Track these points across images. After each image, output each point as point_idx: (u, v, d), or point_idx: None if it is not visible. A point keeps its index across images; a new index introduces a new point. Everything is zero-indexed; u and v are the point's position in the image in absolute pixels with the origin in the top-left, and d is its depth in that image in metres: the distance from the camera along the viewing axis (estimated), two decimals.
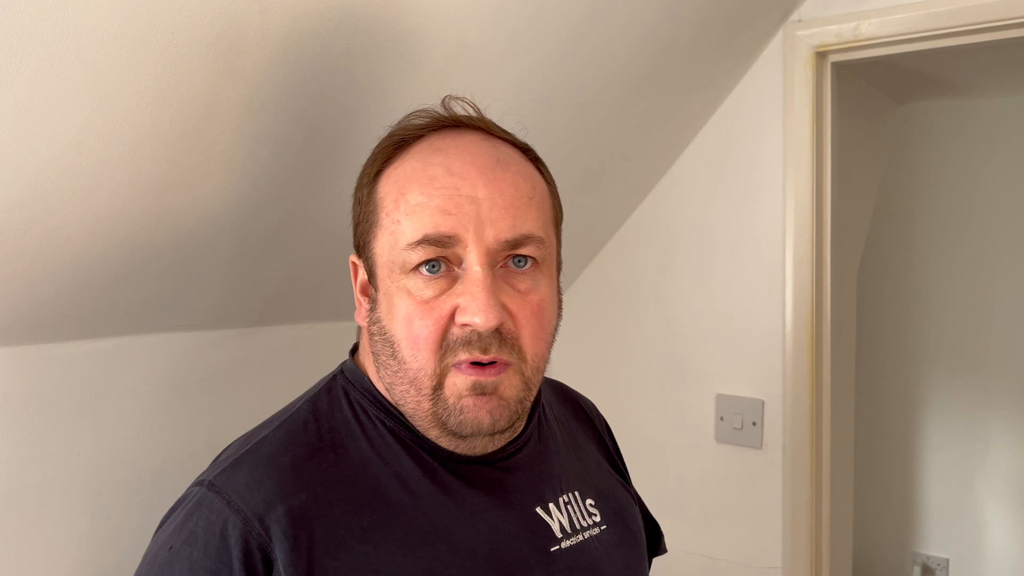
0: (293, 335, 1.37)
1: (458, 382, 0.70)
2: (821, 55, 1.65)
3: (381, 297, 0.73)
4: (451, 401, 0.70)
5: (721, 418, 1.79)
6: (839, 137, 1.71)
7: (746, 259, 1.76)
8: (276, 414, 0.78)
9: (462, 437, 0.72)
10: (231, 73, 0.89)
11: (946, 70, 2.47)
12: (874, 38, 1.56)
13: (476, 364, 0.69)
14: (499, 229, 0.69)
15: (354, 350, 0.83)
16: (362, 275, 0.77)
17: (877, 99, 2.45)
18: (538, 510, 0.77)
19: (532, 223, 0.72)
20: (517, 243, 0.70)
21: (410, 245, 0.69)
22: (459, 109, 0.77)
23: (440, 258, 0.69)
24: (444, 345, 0.69)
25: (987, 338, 3.24)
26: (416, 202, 0.69)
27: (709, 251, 1.81)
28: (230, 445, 0.77)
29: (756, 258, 1.74)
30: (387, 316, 0.71)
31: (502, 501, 0.75)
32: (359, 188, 0.77)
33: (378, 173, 0.74)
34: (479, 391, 0.69)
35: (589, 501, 0.83)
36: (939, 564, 3.39)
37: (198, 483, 0.71)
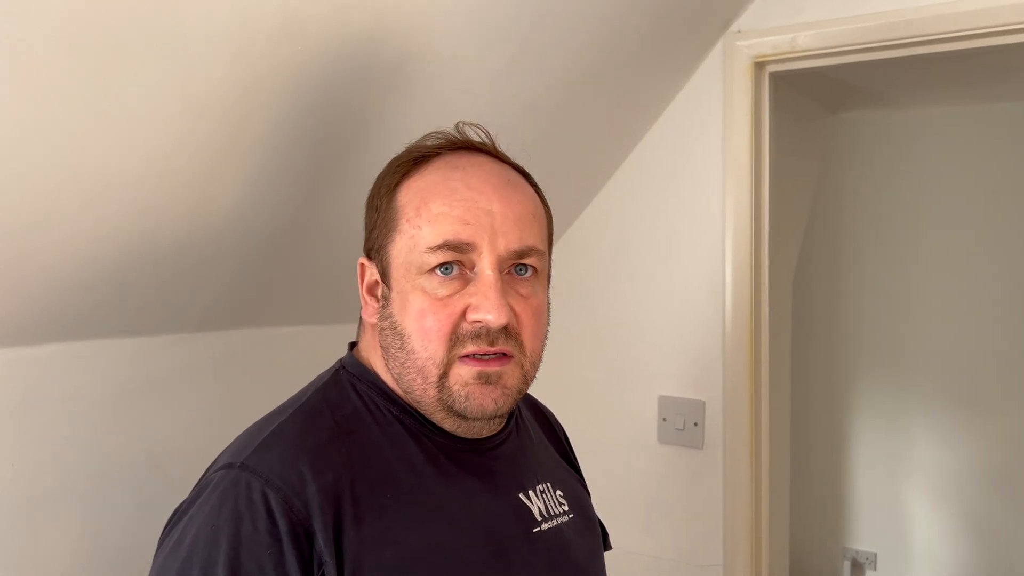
0: (234, 341, 1.35)
1: (463, 372, 0.78)
2: (759, 65, 1.70)
3: (394, 295, 0.80)
4: (456, 389, 0.78)
5: (663, 419, 1.82)
6: (776, 145, 1.76)
7: (687, 264, 1.80)
8: (284, 405, 0.83)
9: (465, 419, 0.80)
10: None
11: (875, 82, 2.57)
12: (810, 50, 1.61)
13: (479, 358, 0.78)
14: (509, 240, 0.79)
15: (352, 346, 0.90)
16: (370, 276, 0.85)
17: (811, 109, 2.53)
18: (520, 496, 0.86)
19: (535, 237, 0.82)
20: (522, 253, 0.80)
21: (430, 248, 0.77)
22: (471, 133, 0.87)
23: (455, 261, 0.77)
24: (453, 338, 0.77)
25: (909, 338, 3.37)
26: (438, 211, 0.78)
27: (652, 256, 1.84)
28: (240, 436, 0.81)
29: (697, 263, 1.78)
30: (400, 311, 0.79)
31: (491, 486, 0.84)
32: (376, 197, 0.84)
33: (397, 184, 0.82)
34: (484, 380, 0.78)
35: (559, 492, 0.92)
36: (867, 558, 3.50)
37: (225, 466, 0.75)
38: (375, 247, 0.84)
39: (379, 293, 0.83)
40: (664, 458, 1.83)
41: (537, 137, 1.53)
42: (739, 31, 1.70)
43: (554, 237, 1.93)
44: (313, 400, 0.82)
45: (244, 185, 1.09)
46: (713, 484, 1.77)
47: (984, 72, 2.48)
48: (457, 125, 0.87)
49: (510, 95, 1.36)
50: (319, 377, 0.87)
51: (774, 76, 1.73)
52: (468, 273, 0.78)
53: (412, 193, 0.81)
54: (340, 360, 0.89)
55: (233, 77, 0.95)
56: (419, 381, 0.79)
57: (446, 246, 0.77)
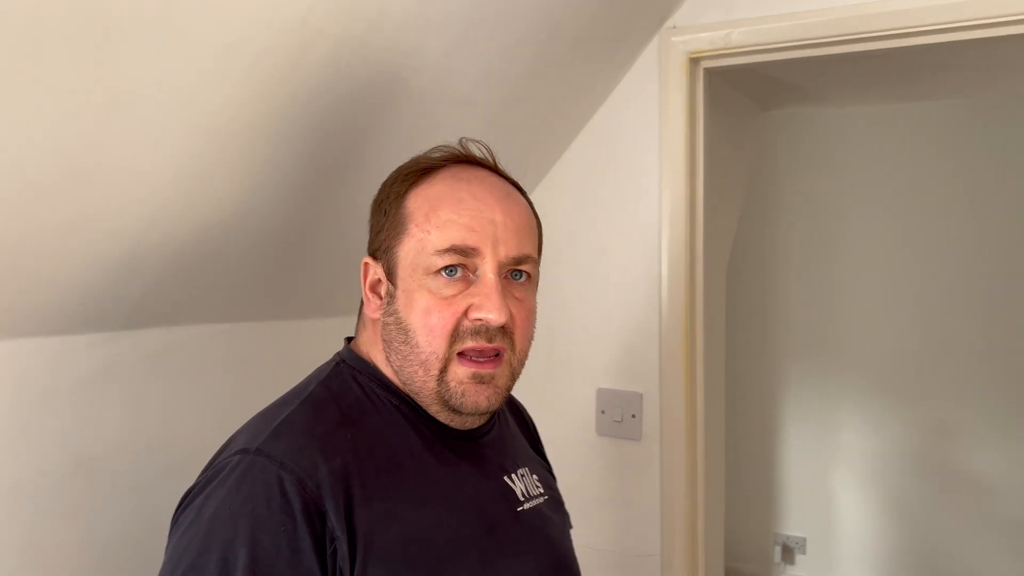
0: (164, 339, 1.30)
1: (459, 372, 0.86)
2: (694, 61, 1.72)
3: (400, 293, 0.87)
4: (452, 385, 0.86)
5: (602, 411, 1.83)
6: (711, 140, 1.79)
7: (624, 257, 1.81)
8: (288, 396, 0.89)
9: (459, 414, 0.88)
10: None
11: (805, 79, 2.63)
12: (743, 46, 1.64)
13: (476, 360, 0.86)
14: (509, 248, 0.87)
15: (349, 341, 0.97)
16: (374, 274, 0.91)
17: (744, 105, 2.58)
18: (505, 479, 0.96)
19: (530, 246, 0.91)
20: (520, 260, 0.88)
21: (438, 252, 0.85)
22: (472, 148, 0.95)
23: (460, 264, 0.85)
24: (455, 334, 0.85)
25: (834, 330, 3.47)
26: (446, 218, 0.86)
27: (589, 250, 1.85)
28: (249, 424, 0.86)
29: (634, 256, 1.80)
30: (405, 308, 0.87)
31: (480, 470, 0.93)
32: (384, 202, 0.91)
33: (406, 192, 0.89)
34: (479, 380, 0.86)
35: (535, 477, 1.02)
36: (797, 543, 3.61)
37: (241, 452, 0.80)
38: (381, 248, 0.90)
39: (382, 291, 0.90)
40: (602, 450, 1.84)
41: (475, 131, 1.51)
42: (675, 27, 1.72)
43: None
44: (318, 391, 0.88)
45: (242, 186, 1.07)
46: (650, 475, 1.80)
47: (909, 71, 2.56)
48: (461, 140, 0.95)
49: (446, 88, 1.35)
50: (319, 370, 0.93)
51: (709, 72, 1.75)
52: (471, 276, 0.86)
53: (421, 200, 0.88)
54: (339, 354, 0.95)
55: (240, 82, 1.00)
56: (420, 373, 0.86)
57: (453, 250, 0.84)
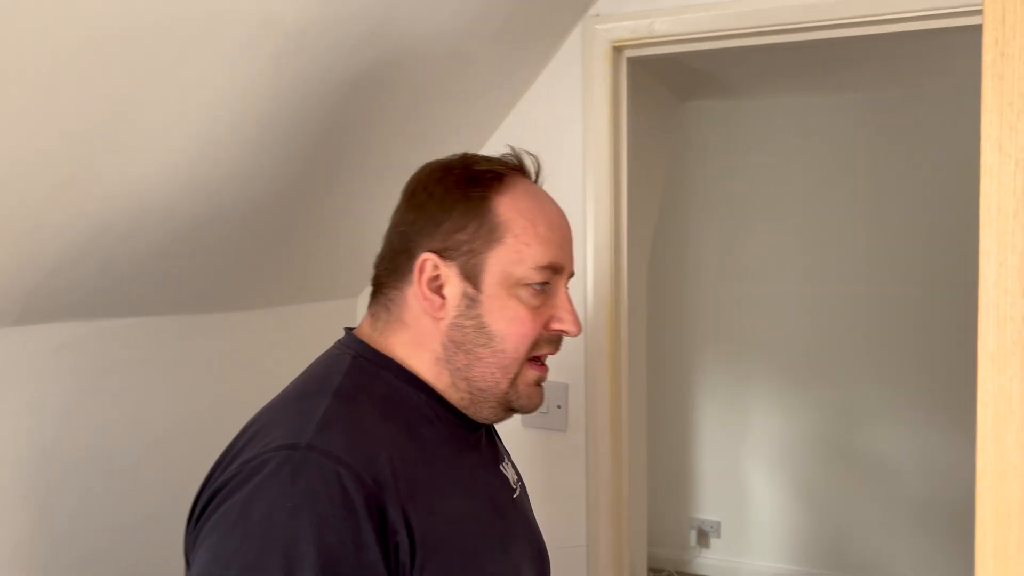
0: (61, 336, 1.21)
1: (529, 375, 0.92)
2: (617, 49, 1.71)
3: (485, 298, 0.89)
4: (521, 388, 0.91)
5: None
6: (634, 129, 1.78)
7: None
8: (308, 387, 0.88)
9: (511, 413, 0.94)
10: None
11: (724, 71, 2.67)
12: (667, 35, 1.64)
13: (542, 363, 0.93)
14: (573, 264, 0.95)
15: (348, 331, 0.97)
16: (439, 273, 0.90)
17: (665, 96, 2.60)
18: (500, 467, 1.02)
19: None
20: (571, 276, 0.96)
21: (538, 267, 0.89)
22: (526, 159, 0.98)
23: (548, 280, 0.90)
24: (535, 342, 0.90)
25: (745, 318, 3.57)
26: (544, 235, 0.90)
27: None
28: (270, 419, 0.83)
29: None
30: (490, 314, 0.89)
31: (484, 461, 0.98)
32: (460, 201, 0.90)
33: (487, 198, 0.90)
34: (538, 383, 0.93)
35: (511, 467, 1.07)
36: (712, 527, 3.70)
37: (286, 447, 0.77)
38: (460, 250, 0.90)
39: (449, 292, 0.90)
40: (529, 441, 1.82)
41: (396, 116, 1.47)
42: (598, 15, 1.71)
43: None
44: (345, 384, 0.87)
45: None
46: (576, 465, 1.79)
47: (823, 65, 2.64)
48: (514, 149, 0.98)
49: (365, 72, 1.30)
50: (330, 362, 0.92)
51: (632, 61, 1.75)
52: (548, 290, 0.91)
53: (514, 212, 0.90)
54: (347, 346, 0.93)
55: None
56: (498, 376, 0.90)
57: (550, 267, 0.90)
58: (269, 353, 1.62)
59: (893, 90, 3.18)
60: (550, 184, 1.82)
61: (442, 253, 0.90)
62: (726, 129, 3.51)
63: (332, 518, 0.73)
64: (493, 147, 1.82)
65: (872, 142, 3.30)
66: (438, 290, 0.90)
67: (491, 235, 0.89)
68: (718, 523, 3.70)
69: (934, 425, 3.29)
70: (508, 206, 0.90)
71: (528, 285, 0.89)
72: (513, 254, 0.89)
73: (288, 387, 0.91)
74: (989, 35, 0.57)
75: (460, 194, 0.91)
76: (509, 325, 0.89)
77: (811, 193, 3.42)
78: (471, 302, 0.90)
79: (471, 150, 1.83)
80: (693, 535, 3.72)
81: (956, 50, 2.45)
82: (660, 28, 1.64)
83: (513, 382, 0.91)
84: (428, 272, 0.90)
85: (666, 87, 2.55)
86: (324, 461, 0.76)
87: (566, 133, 1.75)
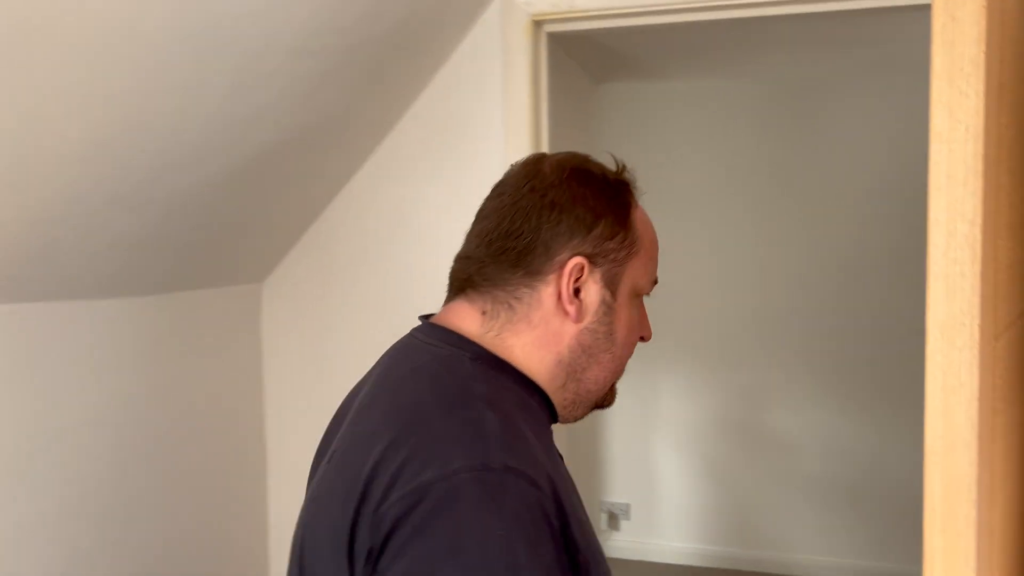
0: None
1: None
2: (537, 23, 1.67)
3: (617, 307, 0.92)
4: (613, 389, 0.98)
5: None
6: (554, 106, 1.75)
7: (467, 222, 1.73)
8: (454, 397, 0.82)
9: (594, 410, 0.97)
10: None
11: (639, 51, 2.67)
12: (587, 11, 1.61)
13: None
14: None
15: (425, 318, 0.98)
16: (585, 279, 0.89)
17: (581, 77, 2.58)
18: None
19: None
20: None
21: (652, 281, 0.97)
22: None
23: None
24: None
25: (653, 302, 3.59)
26: (655, 251, 0.98)
27: (433, 217, 1.76)
28: (441, 433, 0.78)
29: None
30: (618, 321, 0.92)
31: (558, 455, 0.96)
32: (612, 211, 0.91)
33: (631, 210, 0.94)
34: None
35: None
36: (621, 509, 3.74)
37: (480, 468, 0.73)
38: (608, 258, 0.91)
39: (588, 298, 0.90)
40: None
41: (306, 87, 1.38)
42: None
43: (329, 201, 1.81)
44: (490, 393, 0.83)
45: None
46: None
47: (733, 47, 2.66)
48: (615, 158, 0.99)
49: (272, 35, 1.21)
50: (448, 365, 0.86)
51: (551, 37, 1.71)
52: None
53: (643, 226, 0.95)
54: (453, 345, 0.89)
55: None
56: (611, 379, 0.95)
57: (656, 281, 0.98)
58: (165, 341, 1.51)
59: (804, 74, 3.26)
60: (470, 159, 1.78)
61: (591, 258, 0.90)
62: (640, 112, 3.52)
63: (539, 542, 0.73)
64: (408, 126, 1.75)
65: (784, 126, 3.37)
66: (575, 293, 0.90)
67: (632, 247, 0.93)
68: (628, 506, 3.74)
69: (833, 407, 3.41)
70: (640, 220, 0.96)
71: (639, 297, 0.96)
72: (642, 266, 0.95)
73: (406, 393, 0.85)
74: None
75: (608, 202, 0.92)
76: (630, 333, 0.95)
77: (720, 178, 3.48)
78: (608, 309, 0.92)
79: (383, 129, 1.77)
80: (604, 518, 3.75)
81: (869, 36, 2.52)
82: (580, 3, 1.61)
83: (613, 383, 0.97)
84: (575, 275, 0.90)
85: (582, 68, 2.53)
86: (521, 483, 0.75)
87: (486, 109, 1.70)
